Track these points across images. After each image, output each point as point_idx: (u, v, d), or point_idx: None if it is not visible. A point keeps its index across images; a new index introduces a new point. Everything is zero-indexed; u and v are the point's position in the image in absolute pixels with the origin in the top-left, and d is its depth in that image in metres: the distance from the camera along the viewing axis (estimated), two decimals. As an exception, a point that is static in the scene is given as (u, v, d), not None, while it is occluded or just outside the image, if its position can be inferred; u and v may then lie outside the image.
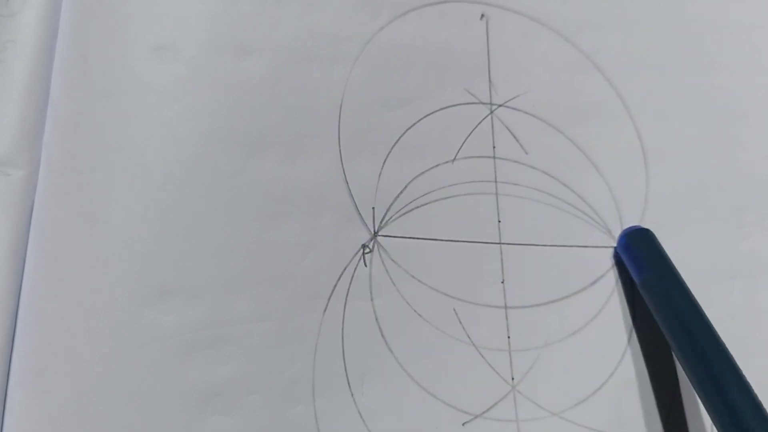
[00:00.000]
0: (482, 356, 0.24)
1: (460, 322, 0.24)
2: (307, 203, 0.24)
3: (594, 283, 0.26)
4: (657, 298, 0.24)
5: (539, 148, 0.26)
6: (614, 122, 0.27)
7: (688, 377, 0.23)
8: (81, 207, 0.22)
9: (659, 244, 0.25)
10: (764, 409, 0.21)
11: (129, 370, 0.21)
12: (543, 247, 0.25)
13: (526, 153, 0.26)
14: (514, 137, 0.26)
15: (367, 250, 0.24)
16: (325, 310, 0.23)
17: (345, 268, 0.23)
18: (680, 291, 0.24)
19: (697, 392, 0.22)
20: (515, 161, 0.26)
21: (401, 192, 0.25)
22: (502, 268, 0.25)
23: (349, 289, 0.23)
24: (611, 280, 0.26)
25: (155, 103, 0.23)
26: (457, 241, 0.25)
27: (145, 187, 0.22)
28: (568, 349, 0.25)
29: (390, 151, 0.25)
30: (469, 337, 0.24)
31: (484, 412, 0.23)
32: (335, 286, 0.23)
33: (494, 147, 0.26)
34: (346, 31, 0.26)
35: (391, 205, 0.25)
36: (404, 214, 0.25)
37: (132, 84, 0.23)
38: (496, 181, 0.26)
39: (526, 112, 0.27)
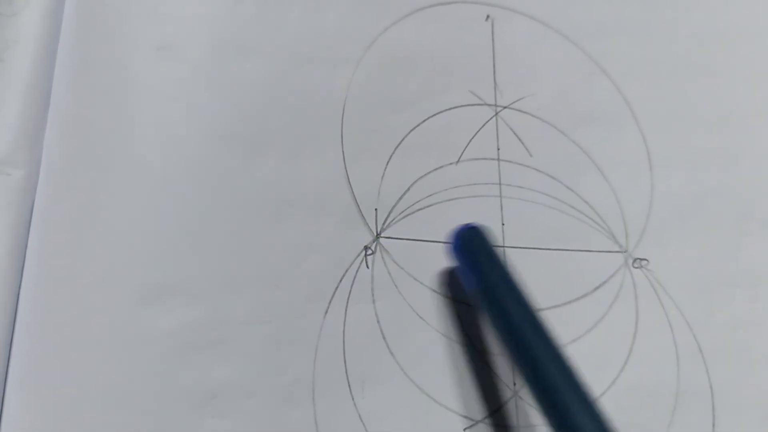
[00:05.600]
0: (485, 361, 0.24)
1: (463, 326, 0.24)
2: (309, 204, 0.23)
3: (597, 288, 0.25)
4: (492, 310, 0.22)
5: (544, 150, 0.26)
6: (619, 126, 0.27)
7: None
8: (81, 206, 0.22)
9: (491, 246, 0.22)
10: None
11: (126, 370, 0.20)
12: (546, 251, 0.25)
13: (531, 155, 0.26)
14: (519, 139, 0.26)
15: (369, 251, 0.24)
16: (326, 312, 0.23)
17: (347, 270, 0.23)
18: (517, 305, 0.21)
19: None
20: (519, 164, 0.26)
21: (404, 193, 0.24)
22: (505, 272, 0.25)
23: (350, 291, 0.23)
24: (615, 285, 0.26)
25: (157, 104, 0.23)
26: (461, 243, 0.24)
27: (146, 187, 0.22)
28: (570, 355, 0.24)
29: (393, 153, 0.25)
30: (471, 341, 0.24)
31: (485, 418, 0.23)
32: (337, 288, 0.23)
33: (498, 149, 0.26)
34: (349, 33, 0.25)
35: (394, 206, 0.24)
36: (407, 215, 0.24)
37: (134, 84, 0.23)
38: (500, 184, 0.25)
39: (532, 115, 0.26)
